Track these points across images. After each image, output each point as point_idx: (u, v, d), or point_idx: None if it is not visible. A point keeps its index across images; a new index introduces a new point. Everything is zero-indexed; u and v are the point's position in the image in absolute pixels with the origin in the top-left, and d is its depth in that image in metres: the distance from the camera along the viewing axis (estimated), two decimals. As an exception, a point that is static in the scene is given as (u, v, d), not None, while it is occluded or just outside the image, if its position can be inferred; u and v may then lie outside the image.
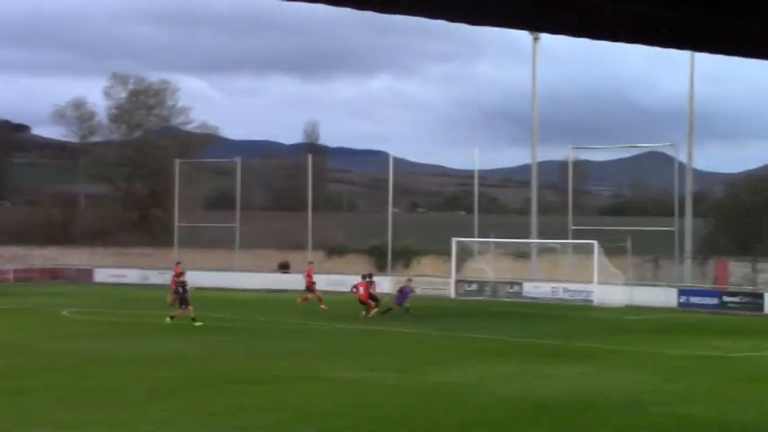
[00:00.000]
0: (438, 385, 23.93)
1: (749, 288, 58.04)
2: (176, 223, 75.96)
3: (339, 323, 41.96)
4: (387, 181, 72.02)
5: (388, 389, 23.27)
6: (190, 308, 40.98)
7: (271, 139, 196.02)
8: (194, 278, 68.96)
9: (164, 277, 71.23)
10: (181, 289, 42.07)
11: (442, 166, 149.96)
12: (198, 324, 39.74)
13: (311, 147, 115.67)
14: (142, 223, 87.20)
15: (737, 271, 61.45)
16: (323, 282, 65.34)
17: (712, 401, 22.24)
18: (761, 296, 54.63)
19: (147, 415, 19.64)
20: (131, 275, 72.48)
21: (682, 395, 23.00)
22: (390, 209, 72.02)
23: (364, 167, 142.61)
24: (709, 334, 40.23)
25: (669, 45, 6.18)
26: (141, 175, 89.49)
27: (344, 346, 33.82)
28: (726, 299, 55.61)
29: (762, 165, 77.66)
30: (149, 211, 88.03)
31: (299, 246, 72.32)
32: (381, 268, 69.63)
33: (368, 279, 47.30)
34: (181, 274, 45.47)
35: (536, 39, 65.88)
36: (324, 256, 72.30)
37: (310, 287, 53.14)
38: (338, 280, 64.02)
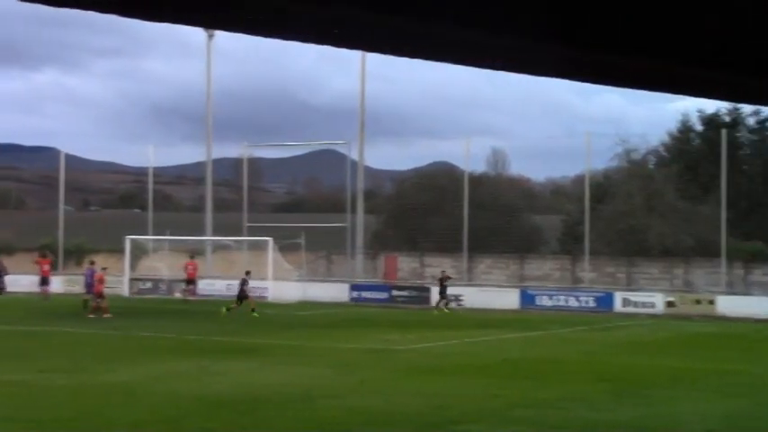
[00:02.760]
0: (111, 385, 23.57)
1: (417, 282, 60.26)
2: None
3: (4, 324, 40.55)
4: (57, 178, 70.21)
5: (58, 390, 22.72)
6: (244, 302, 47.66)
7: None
8: None
9: None
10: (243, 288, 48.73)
11: (115, 163, 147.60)
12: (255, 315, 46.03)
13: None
14: None
15: (406, 266, 63.69)
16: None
17: (381, 393, 22.91)
18: (427, 290, 56.77)
19: None
20: None
21: (353, 388, 23.59)
22: (62, 206, 70.25)
23: (33, 164, 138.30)
24: (380, 327, 41.46)
25: (342, 45, 6.38)
26: None
27: (11, 348, 32.69)
28: (395, 293, 57.49)
29: (428, 162, 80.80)
30: None
31: (-36, 245, 69.43)
32: (52, 267, 67.76)
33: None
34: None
35: (210, 36, 65.75)
36: (-9, 256, 69.62)
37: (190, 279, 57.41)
38: (7, 280, 61.96)
